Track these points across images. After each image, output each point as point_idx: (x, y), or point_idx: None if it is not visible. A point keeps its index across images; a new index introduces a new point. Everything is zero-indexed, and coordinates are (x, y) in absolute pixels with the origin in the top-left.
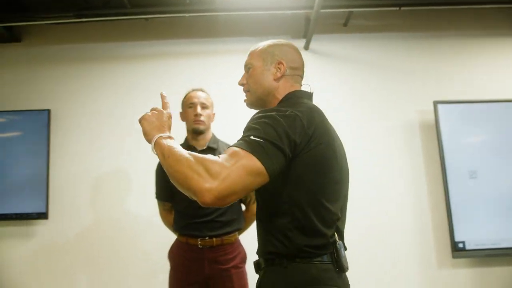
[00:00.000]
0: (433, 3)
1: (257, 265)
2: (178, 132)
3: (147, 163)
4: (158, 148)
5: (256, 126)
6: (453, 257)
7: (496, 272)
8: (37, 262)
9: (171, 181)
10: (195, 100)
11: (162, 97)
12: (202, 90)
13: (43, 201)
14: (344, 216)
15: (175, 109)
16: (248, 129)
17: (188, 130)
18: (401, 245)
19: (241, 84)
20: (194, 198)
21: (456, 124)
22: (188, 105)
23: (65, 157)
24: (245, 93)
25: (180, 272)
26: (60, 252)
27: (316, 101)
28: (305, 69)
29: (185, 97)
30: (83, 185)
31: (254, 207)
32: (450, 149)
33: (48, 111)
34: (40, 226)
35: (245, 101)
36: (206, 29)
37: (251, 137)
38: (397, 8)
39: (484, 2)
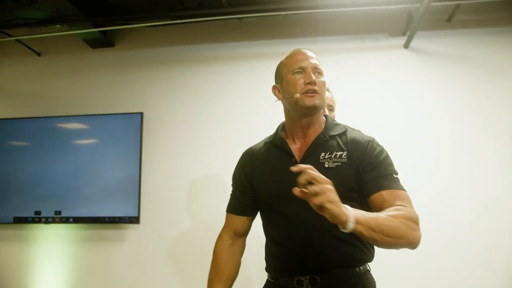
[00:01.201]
0: None
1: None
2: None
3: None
4: (361, 225)
5: (391, 160)
6: None
7: None
8: (129, 265)
9: (385, 247)
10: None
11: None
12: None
13: (135, 205)
14: None
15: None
16: (389, 165)
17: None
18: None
19: (319, 82)
20: (409, 248)
21: None
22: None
23: (157, 161)
24: (316, 93)
25: None
26: (151, 257)
27: (414, 103)
28: (404, 68)
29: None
30: (175, 189)
31: None
32: None
33: (141, 114)
34: (132, 230)
35: (317, 99)
36: (301, 28)
37: (396, 176)
38: None
39: None
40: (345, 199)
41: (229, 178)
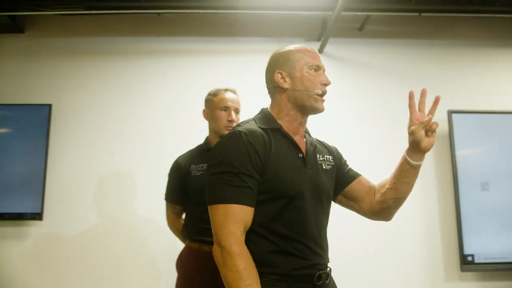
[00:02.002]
0: (456, 10)
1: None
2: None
3: (153, 164)
4: None
5: None
6: (462, 270)
7: (505, 287)
8: (30, 264)
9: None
10: (230, 104)
11: None
12: (235, 93)
13: (38, 201)
14: None
15: (183, 108)
16: None
17: (213, 132)
18: (410, 256)
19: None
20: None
21: (469, 135)
22: (220, 107)
23: (65, 156)
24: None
25: (191, 282)
26: (54, 254)
27: (329, 105)
28: None
29: (216, 96)
30: (83, 185)
31: None
32: (463, 159)
33: (49, 106)
34: (34, 227)
35: (323, 104)
36: (220, 27)
37: None
38: (417, 14)
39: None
40: (329, 198)
41: (143, 174)
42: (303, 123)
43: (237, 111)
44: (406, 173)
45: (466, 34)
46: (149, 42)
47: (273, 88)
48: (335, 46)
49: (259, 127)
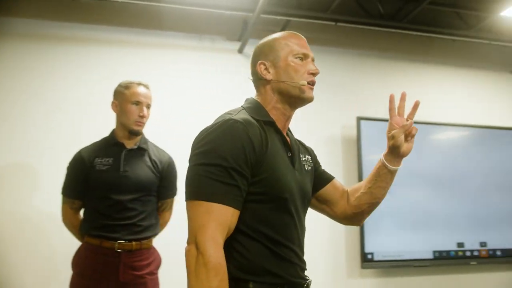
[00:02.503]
0: (368, 23)
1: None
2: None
3: (56, 157)
4: None
5: None
6: (362, 267)
7: (400, 282)
8: None
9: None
10: (142, 99)
11: None
12: (147, 87)
13: None
14: None
15: (95, 99)
16: None
17: (122, 126)
18: (315, 255)
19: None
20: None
21: (376, 141)
22: (132, 101)
23: None
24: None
25: (89, 279)
26: None
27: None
28: (236, 72)
29: (128, 89)
30: None
31: (167, 214)
32: (369, 164)
33: None
34: None
35: (312, 92)
36: (139, 18)
37: None
38: (334, 23)
39: (415, 29)
40: (309, 201)
41: (46, 168)
42: (290, 118)
43: (148, 106)
44: (382, 178)
45: (377, 46)
46: (60, 28)
47: (257, 80)
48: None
49: (252, 117)
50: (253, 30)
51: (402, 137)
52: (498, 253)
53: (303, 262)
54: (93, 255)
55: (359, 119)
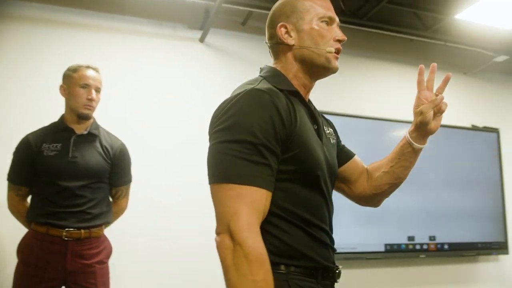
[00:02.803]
0: None
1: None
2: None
3: (1, 142)
4: None
5: None
6: None
7: (354, 273)
8: None
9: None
10: (91, 82)
11: None
12: (97, 71)
13: None
14: None
15: (44, 82)
16: None
17: (70, 110)
18: None
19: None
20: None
21: None
22: (80, 84)
23: None
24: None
25: (34, 267)
26: None
27: (205, 94)
28: (197, 61)
29: (75, 72)
30: None
31: (123, 202)
32: None
33: None
34: None
35: (336, 62)
36: (98, 1)
37: None
38: None
39: (375, 27)
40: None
41: None
42: (310, 90)
43: (98, 90)
44: (406, 157)
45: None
46: (18, 7)
47: (276, 45)
48: (217, 37)
49: (275, 87)
50: (215, 19)
51: (431, 113)
52: (446, 246)
53: (334, 244)
54: (39, 242)
55: None
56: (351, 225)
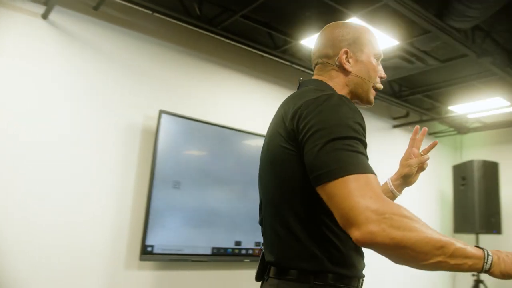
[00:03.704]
0: (185, 21)
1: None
2: None
3: None
4: None
5: None
6: (140, 259)
7: (178, 276)
8: None
9: None
10: None
11: None
12: None
13: None
14: (266, 225)
15: None
16: None
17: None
18: (95, 244)
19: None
20: None
21: (174, 136)
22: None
23: None
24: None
25: None
26: None
27: (44, 76)
28: (42, 40)
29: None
30: None
31: None
32: (163, 157)
33: None
34: None
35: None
36: None
37: None
38: (151, 12)
39: (228, 38)
40: None
41: None
42: None
43: None
44: None
45: (194, 46)
46: None
47: (332, 65)
48: (64, 17)
49: (347, 98)
50: None
51: (416, 167)
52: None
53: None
54: None
55: (161, 112)
56: (179, 227)
